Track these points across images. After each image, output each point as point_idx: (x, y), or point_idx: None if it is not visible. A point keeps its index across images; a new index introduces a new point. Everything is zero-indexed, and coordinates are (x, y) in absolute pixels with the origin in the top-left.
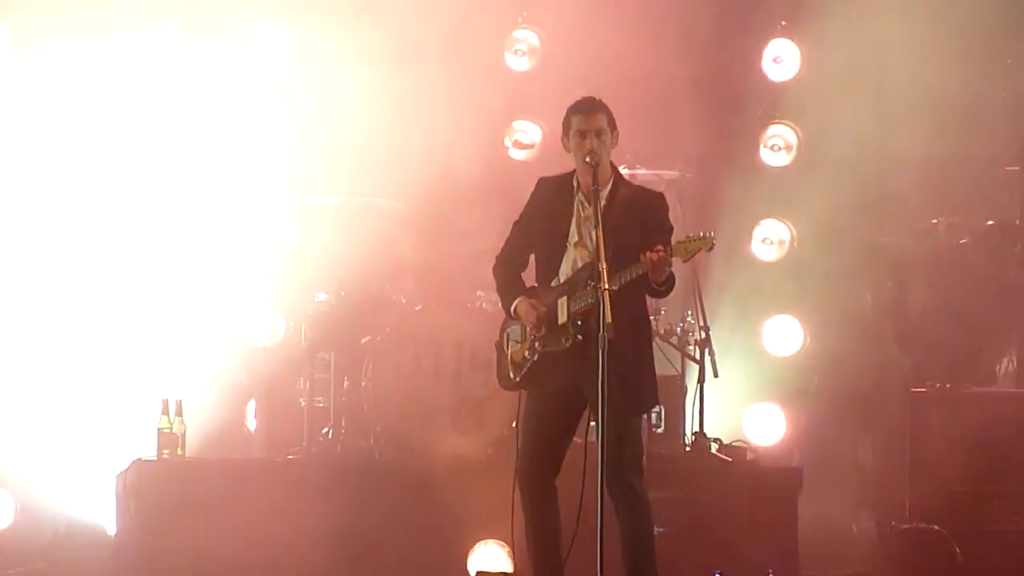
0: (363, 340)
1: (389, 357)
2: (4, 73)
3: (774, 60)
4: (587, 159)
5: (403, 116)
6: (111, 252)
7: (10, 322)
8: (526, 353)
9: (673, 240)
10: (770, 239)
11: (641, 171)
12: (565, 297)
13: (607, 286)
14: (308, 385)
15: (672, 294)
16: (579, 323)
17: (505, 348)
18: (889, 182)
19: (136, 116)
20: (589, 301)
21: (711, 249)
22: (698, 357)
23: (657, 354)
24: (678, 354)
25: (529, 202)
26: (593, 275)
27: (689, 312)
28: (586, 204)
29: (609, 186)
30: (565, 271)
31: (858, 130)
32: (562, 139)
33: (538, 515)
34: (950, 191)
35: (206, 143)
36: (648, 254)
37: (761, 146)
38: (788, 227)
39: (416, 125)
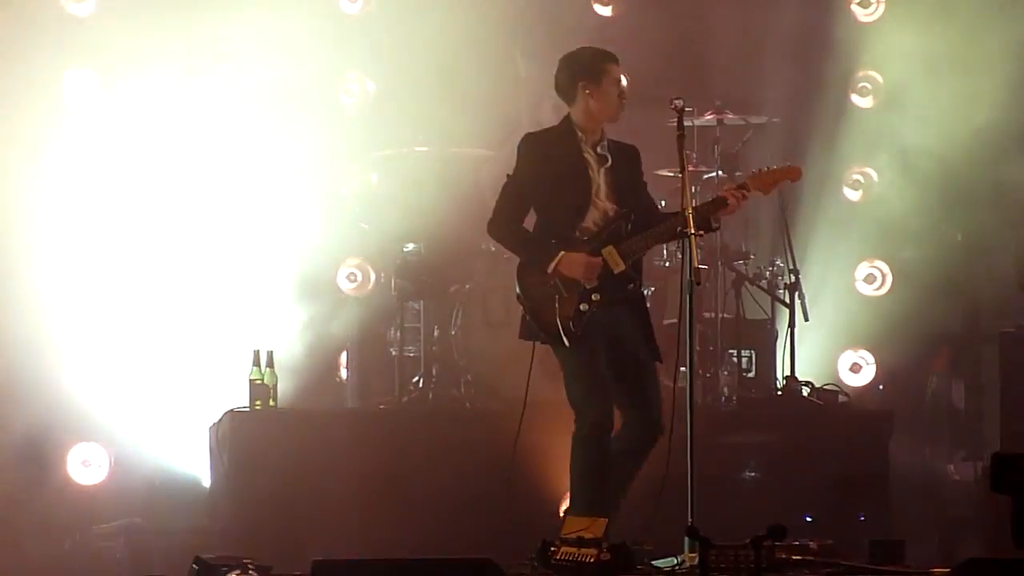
0: (452, 289)
1: (478, 305)
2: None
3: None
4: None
5: (487, 64)
6: (206, 206)
7: (104, 275)
8: (581, 305)
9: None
10: (859, 180)
11: (730, 116)
12: (611, 246)
13: (693, 231)
14: (399, 335)
15: (761, 238)
16: (634, 269)
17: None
18: (977, 123)
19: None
20: (641, 247)
21: (796, 179)
22: (788, 300)
23: (747, 298)
24: (768, 298)
25: (523, 163)
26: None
27: (778, 256)
28: (607, 156)
29: (606, 140)
30: (594, 221)
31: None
32: (581, 83)
33: (608, 464)
34: None
35: (291, 101)
36: (732, 194)
37: (850, 90)
38: (873, 170)
39: (502, 72)
